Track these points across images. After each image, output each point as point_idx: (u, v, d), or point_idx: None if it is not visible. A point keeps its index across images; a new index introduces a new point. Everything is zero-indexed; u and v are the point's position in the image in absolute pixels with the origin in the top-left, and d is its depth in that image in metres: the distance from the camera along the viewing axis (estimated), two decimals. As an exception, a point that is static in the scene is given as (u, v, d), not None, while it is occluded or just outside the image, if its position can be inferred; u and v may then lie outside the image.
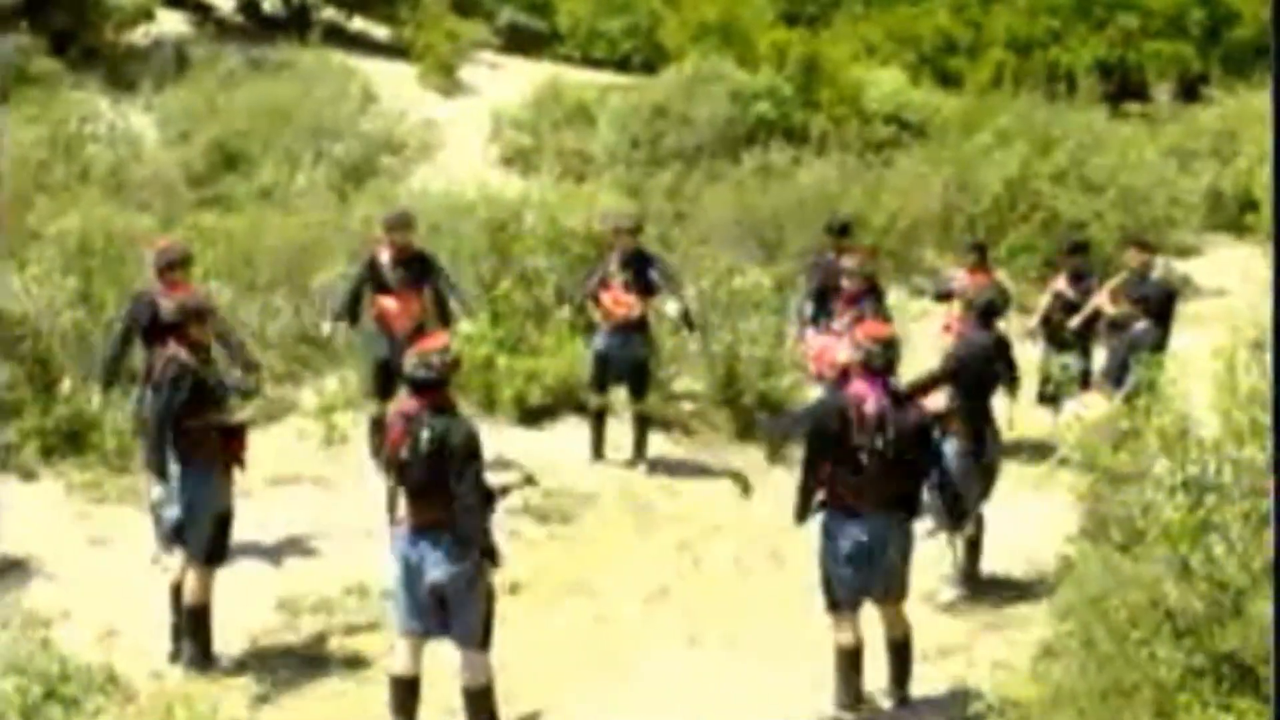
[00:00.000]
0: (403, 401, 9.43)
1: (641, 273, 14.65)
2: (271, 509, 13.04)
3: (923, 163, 25.52)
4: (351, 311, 14.09)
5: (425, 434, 9.07)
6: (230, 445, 10.52)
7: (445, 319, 14.04)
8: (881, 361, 9.89)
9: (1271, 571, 7.38)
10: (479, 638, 9.43)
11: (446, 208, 19.15)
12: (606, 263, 14.84)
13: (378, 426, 13.03)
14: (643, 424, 15.11)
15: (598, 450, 15.10)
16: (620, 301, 14.57)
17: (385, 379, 13.75)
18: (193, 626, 10.53)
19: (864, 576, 9.97)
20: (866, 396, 9.77)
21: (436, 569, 9.20)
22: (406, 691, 9.55)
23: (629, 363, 14.82)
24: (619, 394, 15.13)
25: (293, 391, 15.72)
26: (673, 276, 15.14)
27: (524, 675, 10.36)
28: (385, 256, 13.94)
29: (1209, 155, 28.75)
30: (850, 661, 10.10)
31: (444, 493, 9.13)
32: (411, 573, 9.29)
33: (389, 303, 13.88)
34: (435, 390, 9.23)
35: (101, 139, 22.69)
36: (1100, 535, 9.19)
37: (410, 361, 9.28)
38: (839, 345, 13.64)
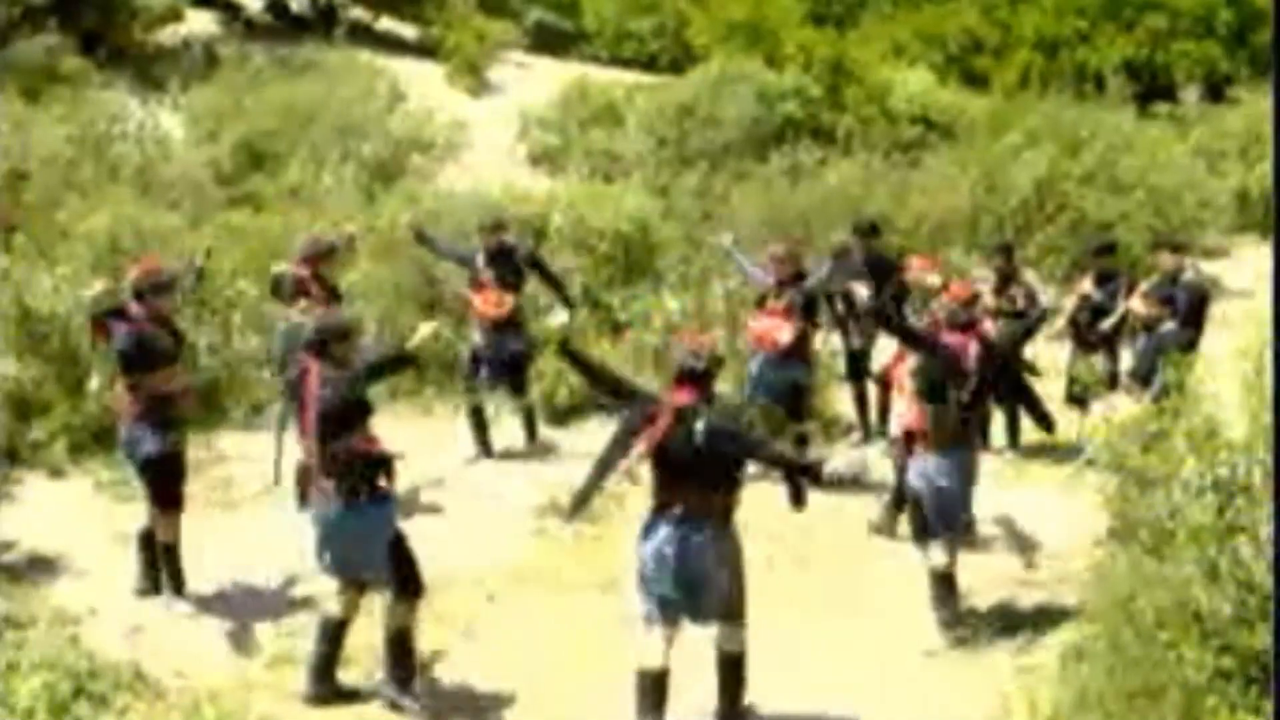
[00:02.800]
0: (672, 394, 9.48)
1: (509, 268, 14.70)
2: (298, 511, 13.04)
3: (950, 163, 25.45)
4: None
5: (700, 424, 9.21)
6: None
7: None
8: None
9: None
10: (740, 608, 9.73)
11: (474, 207, 19.16)
12: (474, 262, 14.82)
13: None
14: (530, 415, 15.34)
15: (485, 448, 15.08)
16: (489, 300, 14.58)
17: None
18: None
19: None
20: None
21: (699, 555, 9.38)
22: (658, 686, 9.51)
23: (503, 360, 14.81)
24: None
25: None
26: (555, 278, 15.48)
27: (552, 674, 10.37)
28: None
29: (1237, 156, 28.66)
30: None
31: (708, 480, 9.35)
32: (667, 562, 9.42)
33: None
34: (706, 381, 9.43)
35: (130, 138, 22.73)
36: (1128, 537, 9.17)
37: (682, 353, 9.50)
38: (783, 327, 14.13)
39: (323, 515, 9.76)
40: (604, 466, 9.66)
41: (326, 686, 9.97)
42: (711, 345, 9.75)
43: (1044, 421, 12.29)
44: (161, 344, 11.06)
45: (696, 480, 9.35)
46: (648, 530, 9.53)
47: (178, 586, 11.26)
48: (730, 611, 9.66)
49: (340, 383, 9.66)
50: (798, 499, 10.29)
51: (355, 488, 9.69)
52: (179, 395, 11.22)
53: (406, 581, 9.88)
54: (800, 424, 14.51)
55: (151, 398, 10.98)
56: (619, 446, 9.60)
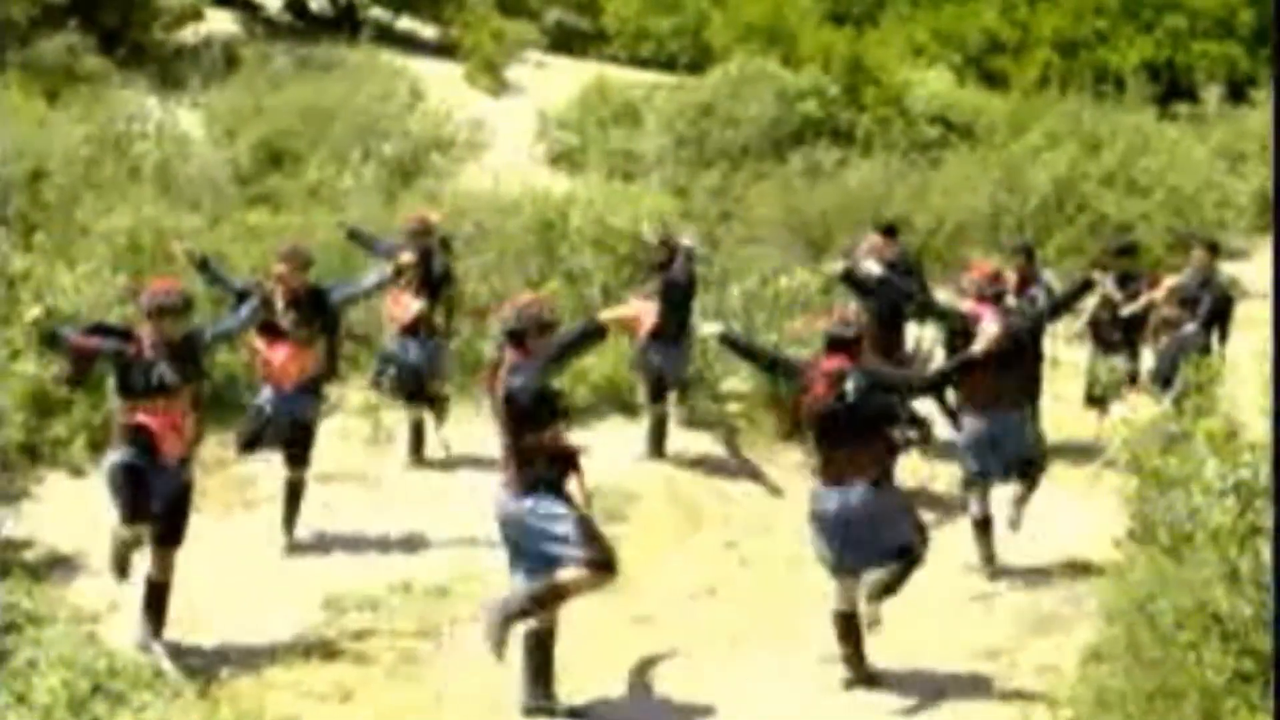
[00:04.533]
0: (823, 361, 10.23)
1: (427, 273, 14.37)
2: (316, 507, 13.07)
3: (970, 164, 25.44)
4: None
5: (851, 384, 10.06)
6: None
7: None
8: None
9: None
10: (918, 539, 10.54)
11: (493, 207, 19.18)
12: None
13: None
14: (418, 428, 14.83)
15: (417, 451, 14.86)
16: (399, 303, 14.35)
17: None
18: None
19: None
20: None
21: (866, 507, 10.20)
22: (850, 624, 10.45)
23: (409, 367, 14.48)
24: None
25: (338, 389, 15.75)
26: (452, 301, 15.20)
27: (570, 674, 10.37)
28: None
29: (1257, 157, 28.57)
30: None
31: (864, 439, 10.18)
32: (835, 520, 10.25)
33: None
34: (855, 346, 10.19)
35: (150, 137, 22.74)
36: (1148, 538, 9.15)
37: (835, 325, 10.32)
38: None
39: (511, 506, 9.84)
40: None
41: (544, 696, 10.01)
42: (858, 315, 10.73)
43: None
44: (165, 373, 10.45)
45: (855, 441, 10.13)
46: (822, 498, 10.30)
47: (158, 628, 10.63)
48: (913, 553, 10.49)
49: (531, 370, 9.74)
50: (926, 439, 11.65)
51: (540, 480, 9.78)
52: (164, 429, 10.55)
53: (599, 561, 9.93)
54: None
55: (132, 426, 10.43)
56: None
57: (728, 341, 11.13)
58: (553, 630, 9.96)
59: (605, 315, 10.51)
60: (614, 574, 10.00)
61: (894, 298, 14.15)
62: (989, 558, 12.53)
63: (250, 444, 12.69)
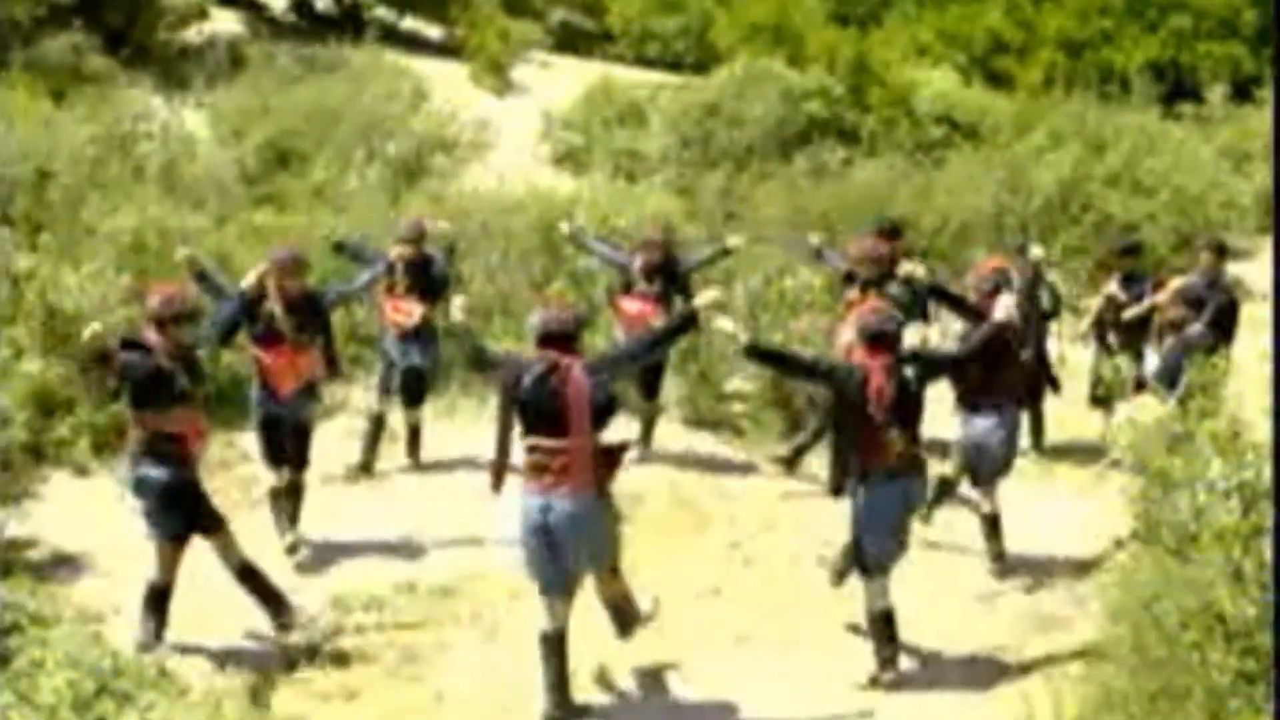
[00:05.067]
0: (874, 357, 10.34)
1: (421, 279, 14.24)
2: (322, 506, 13.08)
3: (974, 164, 25.40)
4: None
5: (911, 372, 10.40)
6: None
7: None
8: None
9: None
10: None
11: (498, 207, 19.19)
12: (393, 271, 14.19)
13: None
14: (415, 433, 14.74)
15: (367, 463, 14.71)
16: (400, 309, 14.24)
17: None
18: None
19: None
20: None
21: (919, 495, 10.82)
22: (889, 620, 10.64)
23: (407, 371, 14.39)
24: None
25: (344, 389, 15.76)
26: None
27: (575, 675, 10.37)
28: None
29: (1262, 157, 28.51)
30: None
31: (915, 426, 10.47)
32: (898, 501, 10.50)
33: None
34: (896, 339, 10.44)
35: (155, 137, 22.76)
36: (1152, 539, 9.16)
37: (874, 320, 10.50)
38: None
39: (582, 509, 9.78)
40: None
41: (564, 706, 10.05)
42: (895, 311, 11.11)
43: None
44: (179, 381, 10.51)
45: (908, 429, 10.39)
46: (880, 488, 10.41)
47: (159, 629, 10.64)
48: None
49: (606, 369, 9.93)
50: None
51: (606, 480, 9.88)
52: (192, 436, 10.69)
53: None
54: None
55: (159, 436, 10.50)
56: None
57: (755, 354, 10.64)
58: (564, 634, 9.98)
59: (700, 302, 10.32)
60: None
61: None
62: (998, 554, 12.51)
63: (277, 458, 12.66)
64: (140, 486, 10.56)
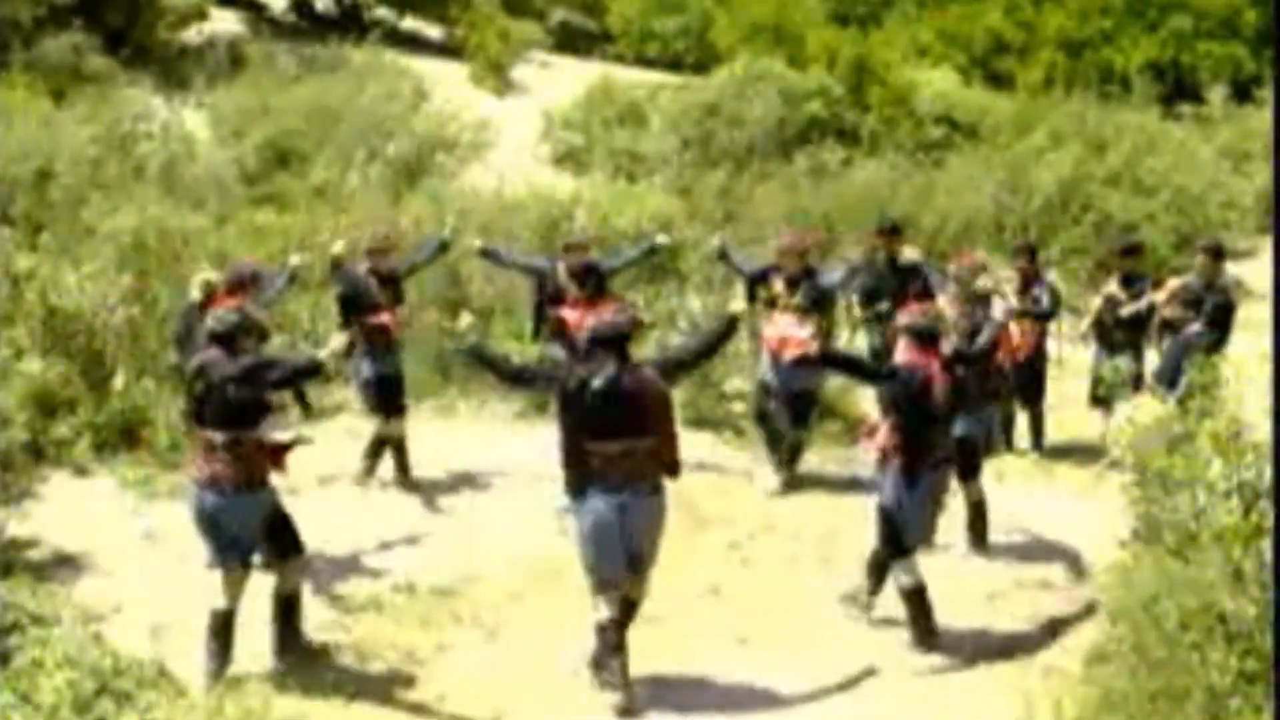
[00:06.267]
0: (921, 356, 10.70)
1: (390, 289, 14.02)
2: (322, 507, 13.06)
3: (974, 164, 25.43)
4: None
5: (961, 370, 10.96)
6: None
7: None
8: None
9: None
10: None
11: (498, 207, 19.21)
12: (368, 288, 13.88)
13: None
14: (401, 445, 14.32)
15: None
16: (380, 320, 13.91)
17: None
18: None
19: None
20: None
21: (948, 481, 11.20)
22: (924, 596, 11.03)
23: (387, 380, 14.09)
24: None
25: (343, 389, 15.75)
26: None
27: (575, 672, 10.37)
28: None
29: (1262, 157, 28.51)
30: None
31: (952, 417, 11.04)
32: (938, 488, 10.99)
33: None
34: (938, 336, 10.86)
35: (155, 137, 22.80)
36: (1152, 539, 9.16)
37: (916, 318, 10.85)
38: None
39: (654, 507, 10.22)
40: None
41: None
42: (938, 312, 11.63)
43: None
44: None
45: (947, 425, 10.96)
46: (924, 477, 10.78)
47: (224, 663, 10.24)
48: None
49: (671, 371, 10.28)
50: None
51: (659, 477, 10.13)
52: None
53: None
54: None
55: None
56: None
57: (827, 360, 11.48)
58: (623, 625, 10.24)
59: (735, 307, 10.71)
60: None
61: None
62: (980, 539, 12.85)
63: None
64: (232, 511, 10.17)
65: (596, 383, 9.78)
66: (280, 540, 10.42)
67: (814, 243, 15.61)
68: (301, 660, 10.56)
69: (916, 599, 10.92)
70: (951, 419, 11.01)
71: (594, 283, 14.29)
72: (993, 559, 12.61)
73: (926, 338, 10.72)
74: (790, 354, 13.51)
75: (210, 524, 10.05)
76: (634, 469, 9.94)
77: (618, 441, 9.84)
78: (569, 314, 14.10)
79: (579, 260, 14.34)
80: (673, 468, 10.16)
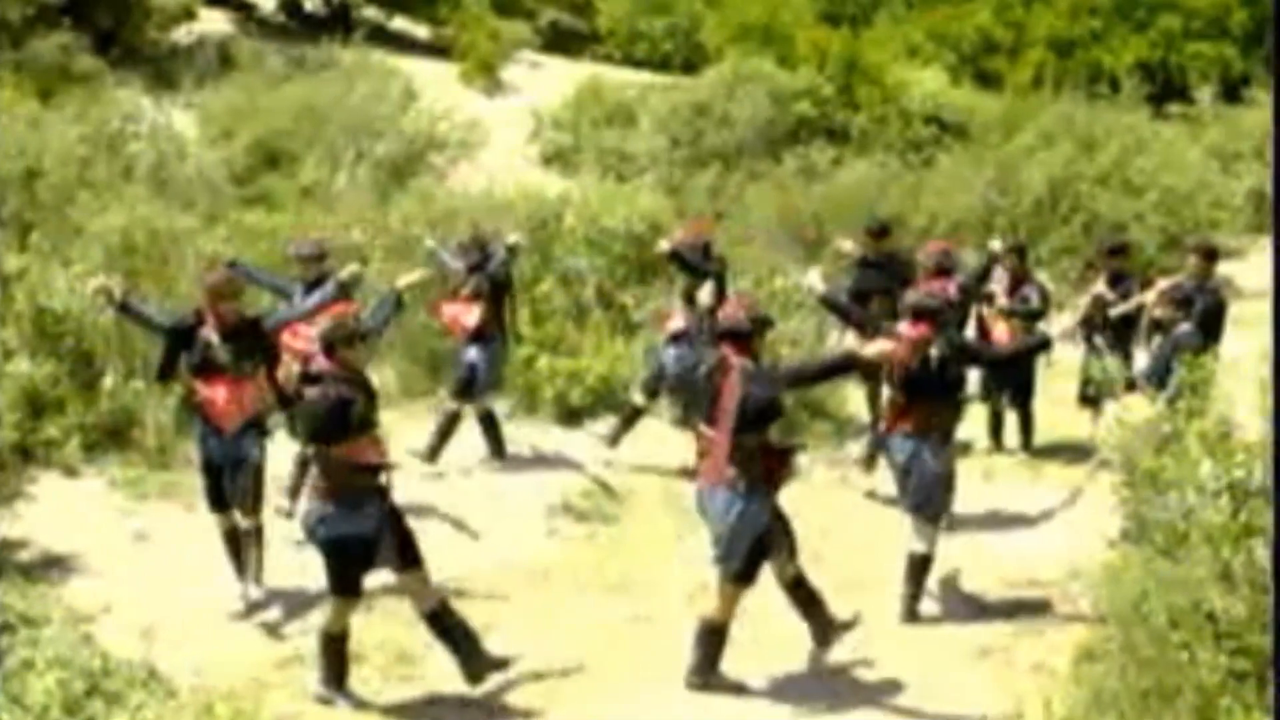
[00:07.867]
0: (907, 329, 11.26)
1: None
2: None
3: (964, 163, 25.46)
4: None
5: (935, 352, 11.28)
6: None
7: None
8: None
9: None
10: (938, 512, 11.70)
11: (487, 207, 19.19)
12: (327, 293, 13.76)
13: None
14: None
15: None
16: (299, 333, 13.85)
17: None
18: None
19: None
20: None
21: (936, 458, 11.40)
22: (926, 564, 11.56)
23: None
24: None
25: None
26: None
27: (566, 674, 10.38)
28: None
29: (1252, 157, 28.53)
30: None
31: (941, 397, 11.45)
32: (912, 463, 11.40)
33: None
34: (937, 316, 11.34)
35: (144, 137, 22.75)
36: (1142, 538, 9.17)
37: (917, 297, 11.56)
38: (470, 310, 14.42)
39: (725, 504, 10.12)
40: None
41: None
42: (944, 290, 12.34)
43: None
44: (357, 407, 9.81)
45: (933, 400, 11.40)
46: (896, 447, 11.53)
47: (338, 677, 10.13)
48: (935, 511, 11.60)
49: (770, 381, 10.26)
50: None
51: (757, 480, 10.09)
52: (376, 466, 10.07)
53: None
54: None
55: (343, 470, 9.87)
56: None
57: (829, 304, 12.59)
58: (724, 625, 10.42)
59: (868, 351, 10.71)
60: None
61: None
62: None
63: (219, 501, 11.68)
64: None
65: (702, 369, 10.37)
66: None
67: (709, 235, 15.76)
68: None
69: (917, 568, 11.46)
70: (941, 396, 11.50)
71: (482, 278, 14.44)
72: (981, 559, 12.62)
73: (922, 313, 11.28)
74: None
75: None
76: (704, 459, 10.33)
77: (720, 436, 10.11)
78: (448, 310, 14.57)
79: (470, 258, 14.52)
80: (760, 471, 10.21)
